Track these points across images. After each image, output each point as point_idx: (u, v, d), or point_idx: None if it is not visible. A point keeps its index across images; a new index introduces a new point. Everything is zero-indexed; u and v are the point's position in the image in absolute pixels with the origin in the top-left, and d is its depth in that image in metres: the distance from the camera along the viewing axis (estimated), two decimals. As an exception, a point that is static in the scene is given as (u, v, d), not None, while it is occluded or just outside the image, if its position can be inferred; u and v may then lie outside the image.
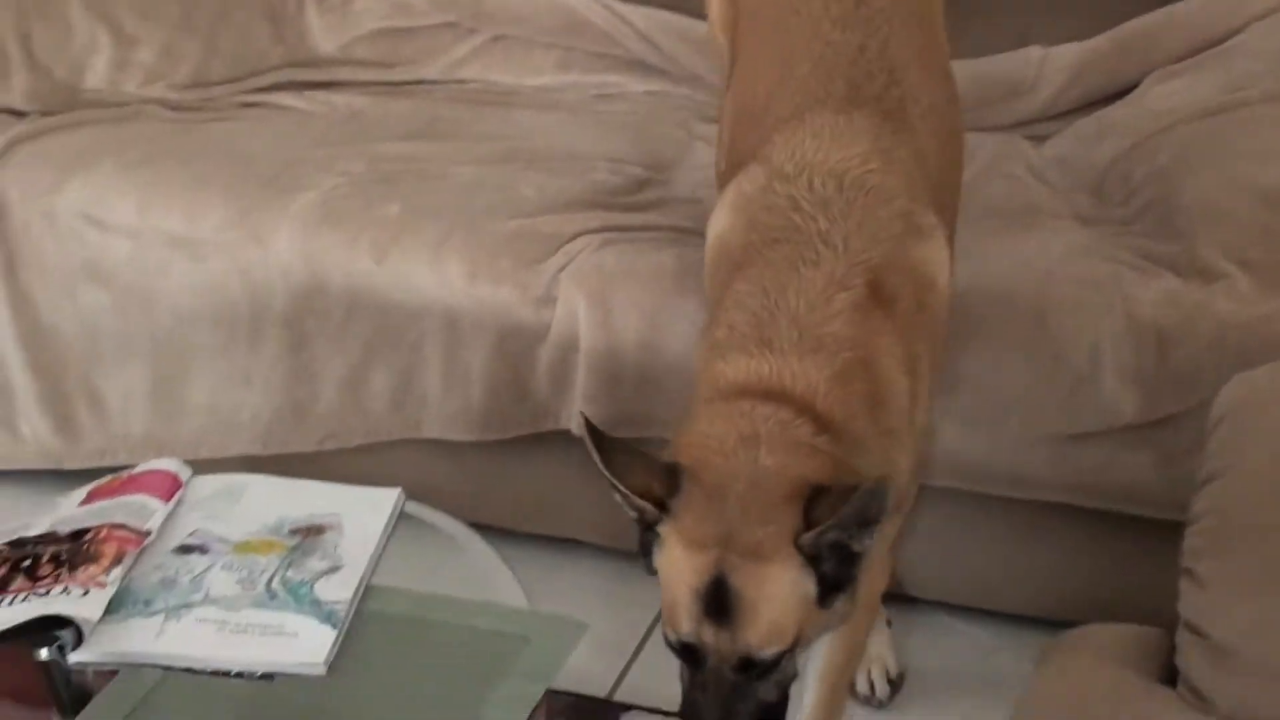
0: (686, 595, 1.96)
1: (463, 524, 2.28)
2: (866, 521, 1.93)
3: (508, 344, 2.97)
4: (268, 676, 2.01)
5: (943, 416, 2.69)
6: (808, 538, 1.94)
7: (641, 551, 2.04)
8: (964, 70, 3.00)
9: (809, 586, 1.96)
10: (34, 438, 3.35)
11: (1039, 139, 3.27)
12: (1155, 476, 2.66)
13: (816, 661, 2.36)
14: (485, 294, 2.96)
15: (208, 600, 2.10)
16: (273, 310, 3.10)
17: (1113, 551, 2.82)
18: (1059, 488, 2.76)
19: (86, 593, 2.06)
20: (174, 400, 3.25)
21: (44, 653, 2.05)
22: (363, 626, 2.08)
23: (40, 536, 2.20)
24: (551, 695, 2.79)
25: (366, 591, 2.13)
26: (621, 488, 2.00)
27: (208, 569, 2.15)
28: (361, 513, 2.26)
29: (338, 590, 2.10)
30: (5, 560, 2.16)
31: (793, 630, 1.97)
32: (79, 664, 2.03)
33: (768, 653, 1.96)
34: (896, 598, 2.82)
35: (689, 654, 1.99)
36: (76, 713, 1.99)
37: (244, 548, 2.19)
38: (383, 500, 2.29)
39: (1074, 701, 1.97)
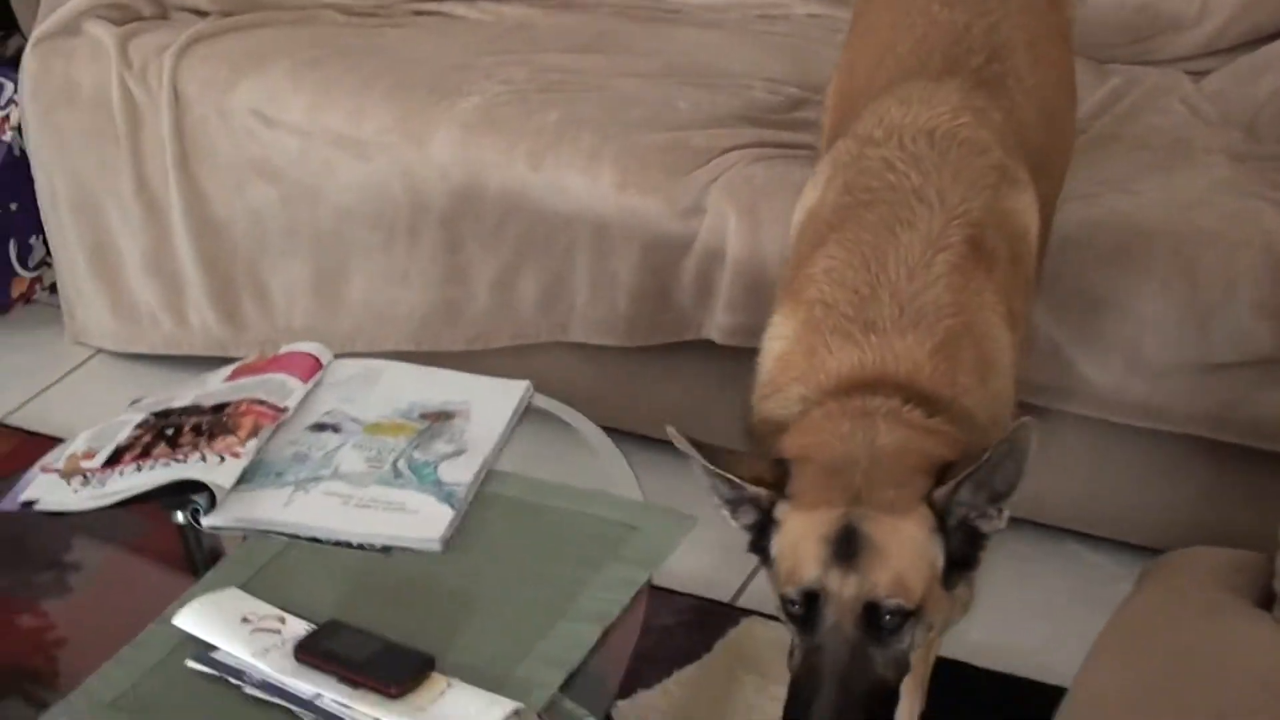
0: (814, 544, 1.91)
1: (586, 418, 2.33)
2: (998, 493, 1.91)
3: (654, 253, 3.03)
4: (386, 550, 2.09)
5: (1078, 343, 2.71)
6: (942, 491, 1.90)
7: (754, 549, 2.02)
8: (1127, 4, 3.00)
9: (938, 553, 1.93)
10: (202, 327, 3.49)
11: (1199, 74, 3.23)
12: (1291, 413, 2.65)
13: None
14: (634, 203, 3.02)
15: (336, 476, 2.18)
16: (431, 211, 3.20)
17: (1245, 487, 2.81)
18: (1193, 419, 2.76)
19: (222, 461, 2.16)
20: (334, 295, 3.36)
21: (179, 516, 2.15)
22: (480, 508, 2.15)
23: (184, 409, 2.30)
24: (674, 596, 2.88)
25: (487, 476, 2.20)
26: (731, 476, 1.95)
27: (339, 447, 2.24)
28: (490, 401, 2.33)
29: (460, 473, 2.18)
30: (151, 429, 2.27)
31: (919, 590, 1.91)
32: (211, 528, 2.12)
33: (893, 602, 1.89)
34: (1026, 523, 2.81)
35: (810, 605, 1.91)
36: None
37: (375, 429, 2.27)
38: (511, 391, 2.36)
39: (1167, 617, 1.99)
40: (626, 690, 2.77)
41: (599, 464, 2.26)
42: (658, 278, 3.05)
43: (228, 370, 2.42)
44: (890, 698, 1.96)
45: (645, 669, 2.81)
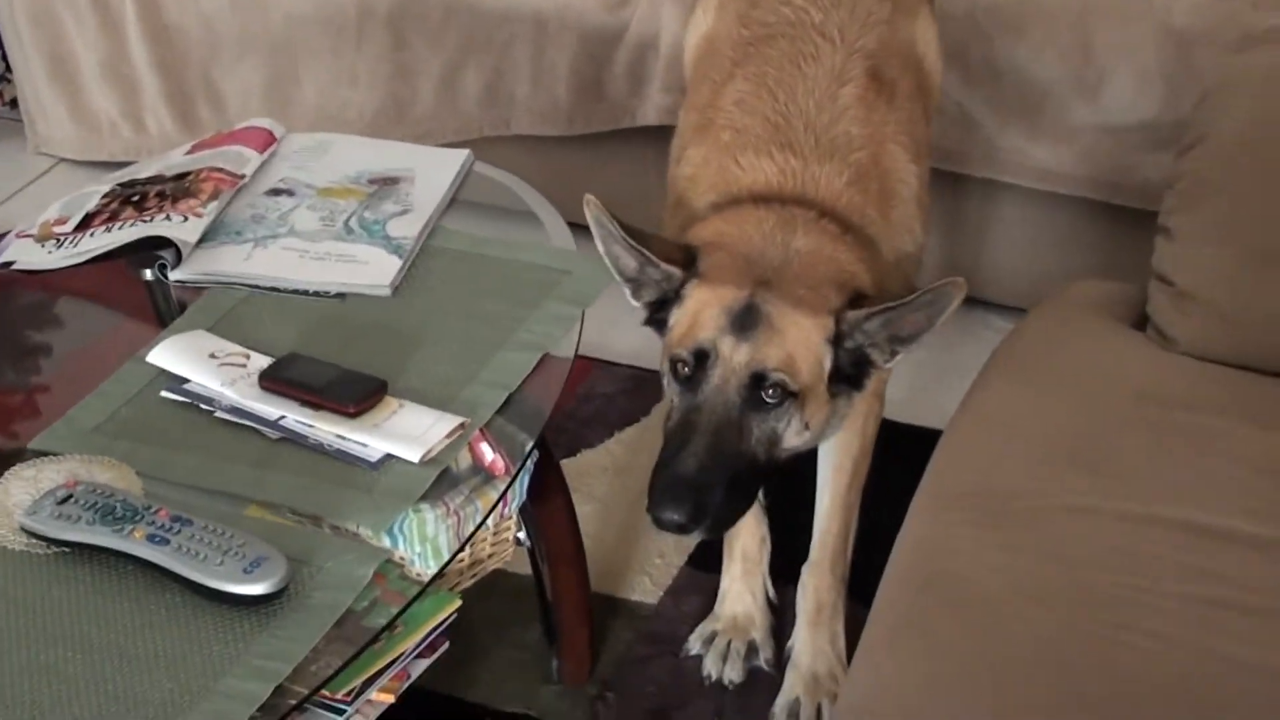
0: (714, 311, 2.01)
1: (522, 180, 2.50)
2: (904, 337, 2.00)
3: (590, 43, 3.20)
4: (340, 296, 2.27)
5: (983, 109, 2.88)
6: (854, 316, 1.99)
7: (651, 322, 2.13)
8: None
9: (827, 356, 2.02)
10: (159, 132, 3.65)
11: None
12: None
13: (828, 461, 2.41)
14: (570, -3, 3.17)
15: (292, 233, 2.36)
16: (377, 13, 3.35)
17: (1138, 253, 2.99)
18: (1088, 183, 2.95)
19: (186, 220, 2.33)
20: (286, 98, 3.52)
21: (147, 273, 2.32)
22: (426, 259, 2.33)
23: (149, 178, 2.47)
24: (615, 367, 3.08)
25: (432, 231, 2.38)
26: (645, 251, 2.05)
27: (294, 208, 2.41)
28: (433, 168, 2.50)
29: (406, 228, 2.35)
30: (117, 197, 2.44)
31: (805, 376, 2.01)
32: (177, 281, 2.30)
33: (779, 375, 1.99)
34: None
35: (699, 364, 2.01)
36: (173, 323, 2.26)
37: (326, 192, 2.44)
38: (453, 158, 2.53)
39: (1052, 339, 2.19)
40: (573, 450, 2.98)
41: (533, 218, 2.43)
42: (595, 67, 3.21)
43: (187, 145, 2.58)
44: (752, 482, 2.06)
45: (589, 432, 3.02)
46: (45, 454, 2.01)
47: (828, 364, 2.02)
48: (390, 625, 1.86)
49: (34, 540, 1.86)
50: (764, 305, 2.00)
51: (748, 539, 2.53)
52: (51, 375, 2.31)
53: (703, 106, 2.30)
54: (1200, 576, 1.79)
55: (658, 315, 2.11)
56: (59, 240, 2.36)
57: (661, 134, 3.11)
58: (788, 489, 2.43)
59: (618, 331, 2.18)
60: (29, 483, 1.93)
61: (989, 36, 2.86)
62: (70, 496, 1.86)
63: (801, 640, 2.45)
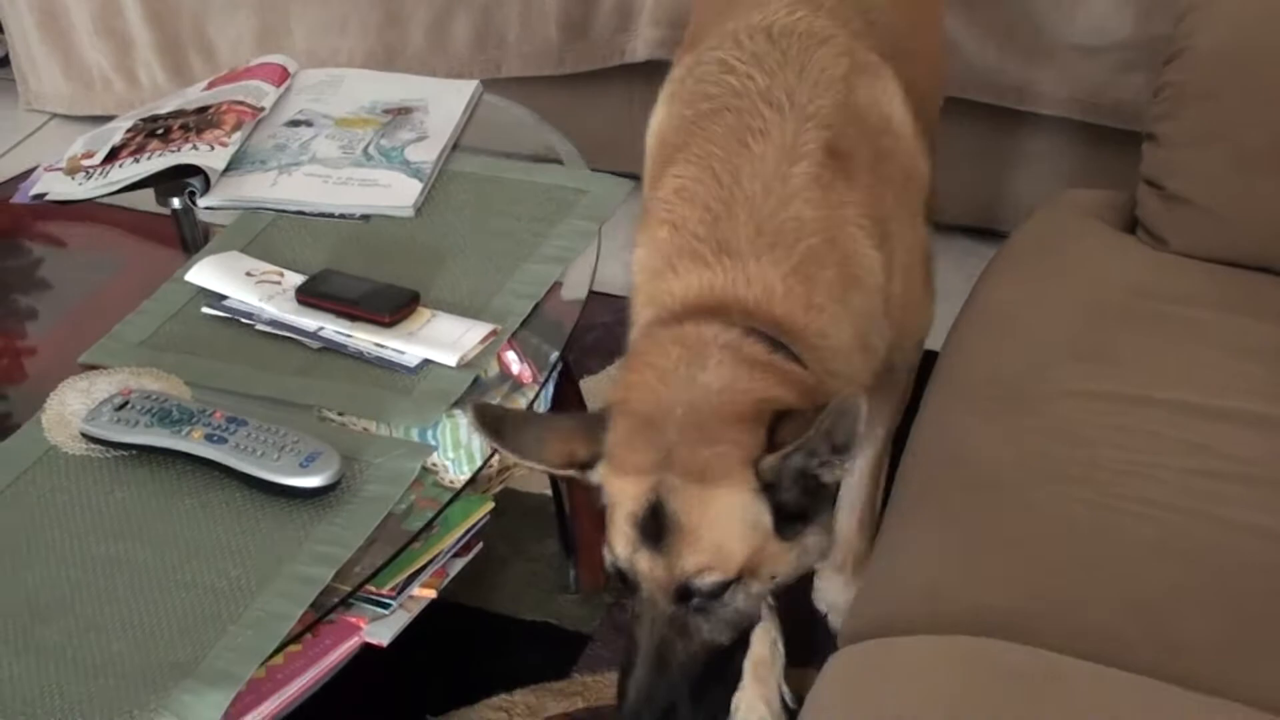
0: (622, 523, 1.80)
1: (531, 111, 2.60)
2: (839, 447, 1.75)
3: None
4: (365, 218, 2.36)
5: (963, 28, 2.98)
6: (769, 461, 1.75)
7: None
8: None
9: (762, 515, 1.78)
10: (151, 85, 3.71)
11: None
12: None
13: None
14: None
15: (314, 160, 2.45)
16: (366, -43, 3.42)
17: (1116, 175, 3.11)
18: (1064, 103, 3.05)
19: (212, 149, 2.42)
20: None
21: (175, 201, 2.41)
22: (445, 182, 2.43)
23: (171, 113, 2.55)
24: (614, 299, 3.16)
25: (449, 156, 2.47)
26: (535, 465, 1.88)
27: (313, 137, 2.50)
28: (445, 97, 2.60)
29: (424, 153, 2.45)
30: (141, 131, 2.52)
31: (739, 559, 1.78)
32: (206, 207, 2.39)
33: (706, 581, 1.77)
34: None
35: (625, 579, 1.83)
36: (200, 253, 2.35)
37: (344, 122, 2.54)
38: (464, 88, 2.63)
39: (1047, 242, 2.31)
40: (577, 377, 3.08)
41: (544, 144, 2.53)
42: (583, 6, 3.30)
43: (204, 83, 2.67)
44: (730, 654, 1.89)
45: (589, 360, 3.12)
46: (94, 368, 2.09)
47: (767, 518, 1.78)
48: (429, 526, 1.96)
49: (93, 445, 1.96)
50: (669, 500, 1.76)
51: (758, 646, 2.32)
52: (90, 299, 2.39)
53: (647, 196, 2.09)
54: (1196, 450, 1.90)
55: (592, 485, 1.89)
56: (88, 172, 2.44)
57: (649, 70, 3.21)
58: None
59: (616, 265, 2.27)
60: (83, 393, 2.02)
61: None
62: (127, 403, 1.96)
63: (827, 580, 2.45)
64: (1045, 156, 3.17)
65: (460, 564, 2.11)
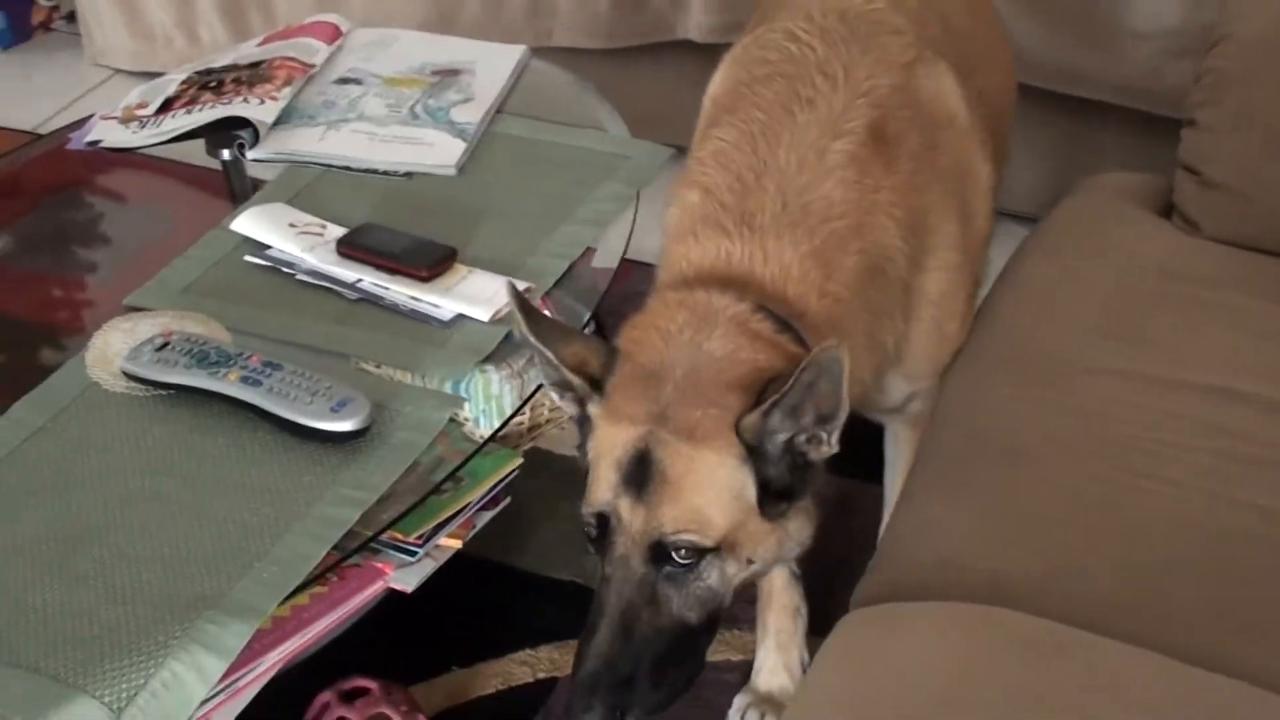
0: (608, 467, 1.76)
1: (576, 76, 2.64)
2: (824, 416, 1.73)
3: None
4: (408, 175, 2.41)
5: (1016, 12, 2.99)
6: (750, 419, 1.72)
7: (579, 450, 1.87)
8: None
9: (746, 484, 1.74)
10: (212, 43, 3.77)
11: None
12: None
13: (898, 438, 2.24)
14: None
15: (361, 118, 2.49)
16: (427, -74, 3.46)
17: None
18: (1116, 89, 3.06)
19: (263, 102, 2.47)
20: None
21: (225, 153, 2.46)
22: (488, 143, 2.47)
23: (224, 67, 2.60)
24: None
25: (493, 119, 2.51)
26: (547, 352, 1.81)
27: (362, 95, 2.55)
28: (492, 61, 2.64)
29: (469, 114, 2.49)
30: (194, 84, 2.57)
31: (719, 526, 1.74)
32: (255, 159, 2.43)
33: (682, 539, 1.73)
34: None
35: (602, 530, 1.77)
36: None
37: (392, 82, 2.58)
38: (511, 52, 2.67)
39: (1082, 223, 2.32)
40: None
41: (589, 110, 2.57)
42: (637, -21, 3.33)
43: (258, 39, 2.71)
44: (696, 637, 1.80)
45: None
46: (139, 310, 2.14)
47: (751, 489, 1.75)
48: (453, 477, 2.01)
49: (134, 384, 2.01)
50: (656, 450, 1.73)
51: (780, 613, 2.32)
52: (139, 245, 2.45)
53: (689, 156, 2.06)
54: (1218, 432, 1.92)
55: (583, 444, 1.86)
56: (141, 121, 2.49)
57: (701, 48, 3.24)
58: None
59: (650, 235, 2.30)
60: (126, 334, 2.07)
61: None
62: (167, 344, 2.00)
63: None
64: (1093, 143, 3.17)
65: (487, 517, 2.15)
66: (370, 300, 2.14)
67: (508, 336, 2.09)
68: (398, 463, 1.91)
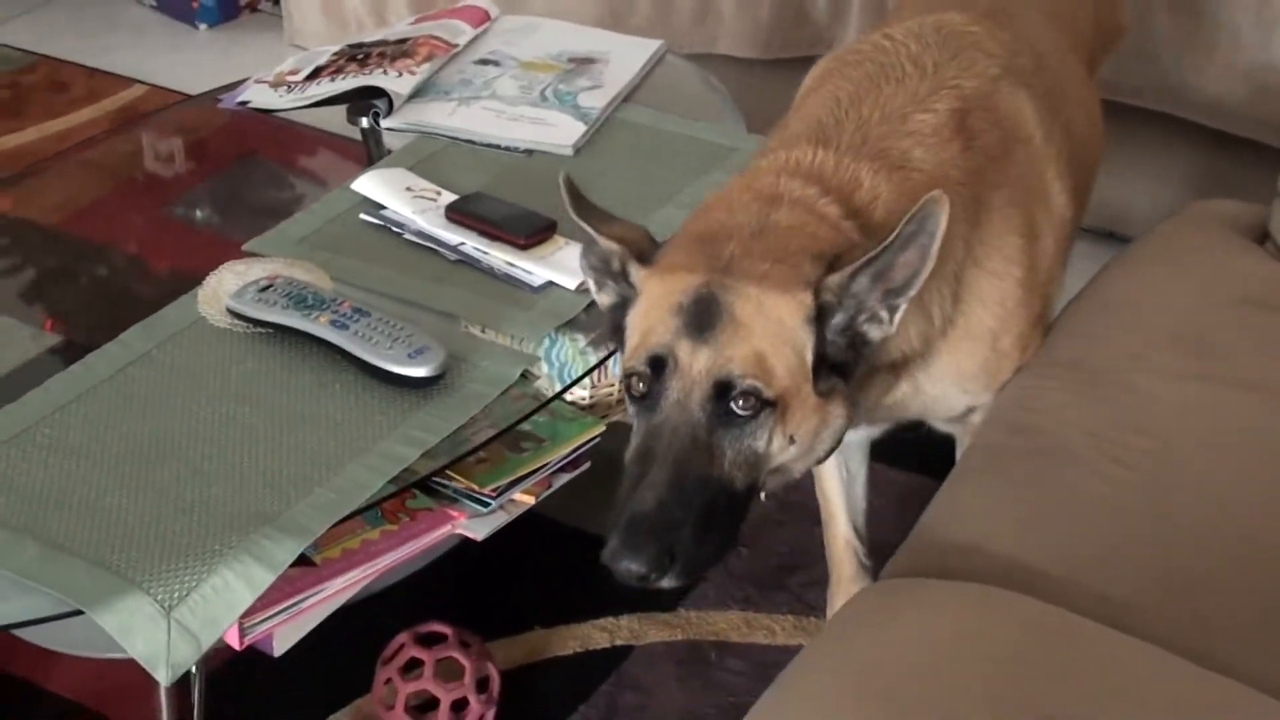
0: (665, 312, 1.72)
1: (709, 73, 2.73)
2: (896, 286, 1.72)
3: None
4: (528, 152, 2.52)
5: (1162, 40, 3.02)
6: (835, 278, 1.70)
7: (612, 335, 1.88)
8: None
9: (808, 345, 1.72)
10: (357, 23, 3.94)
11: None
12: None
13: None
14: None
15: (493, 97, 2.62)
16: (603, -73, 3.58)
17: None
18: (1256, 123, 3.07)
19: (400, 75, 2.60)
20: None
21: (364, 120, 2.60)
22: (610, 128, 2.58)
23: (374, 42, 2.75)
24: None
25: (618, 106, 2.62)
26: (585, 225, 1.82)
27: (497, 76, 2.68)
28: (628, 52, 2.76)
29: (595, 100, 2.60)
30: (344, 55, 2.72)
31: (780, 379, 1.70)
32: (388, 128, 2.57)
33: (748, 382, 1.68)
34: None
35: (656, 375, 1.72)
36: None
37: (529, 66, 2.71)
38: (647, 45, 2.78)
39: (1173, 245, 2.35)
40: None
41: (713, 105, 2.66)
42: (797, -6, 3.42)
43: (411, 18, 2.86)
44: (731, 514, 1.74)
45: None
46: (256, 256, 2.28)
47: (810, 354, 1.72)
48: (515, 430, 2.09)
49: (236, 320, 2.14)
50: (722, 293, 1.70)
51: (848, 560, 2.40)
52: (272, 199, 2.60)
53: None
54: (1272, 444, 1.93)
55: (619, 322, 1.85)
56: (289, 86, 2.65)
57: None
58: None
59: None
60: (239, 276, 2.22)
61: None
62: (270, 286, 2.14)
63: None
64: (1169, 162, 3.21)
65: (565, 479, 2.24)
66: (469, 263, 2.25)
67: (593, 305, 2.19)
68: (464, 410, 2.01)
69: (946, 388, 2.06)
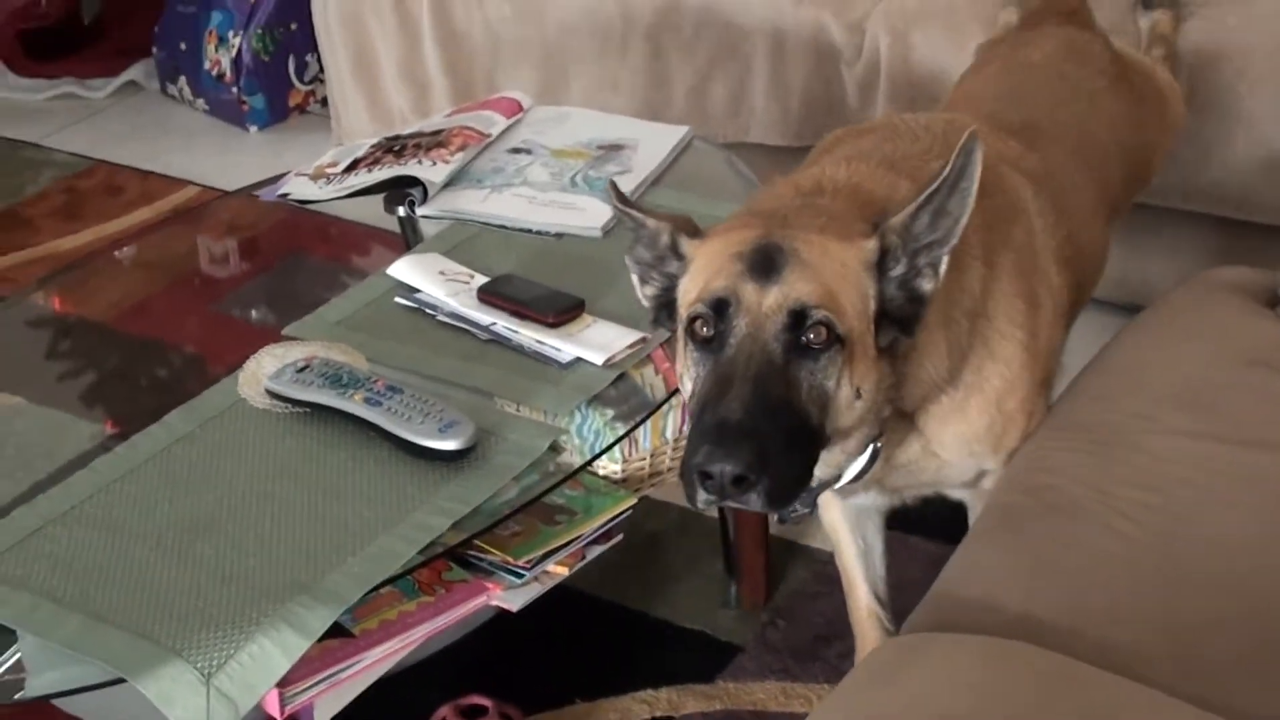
0: (726, 261, 1.76)
1: (736, 158, 2.82)
2: (939, 240, 1.78)
3: (823, 62, 3.48)
4: (559, 235, 2.61)
5: (1180, 143, 3.09)
6: (897, 220, 1.76)
7: (657, 320, 1.96)
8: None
9: (871, 292, 1.77)
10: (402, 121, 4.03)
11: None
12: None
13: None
14: (808, 16, 3.48)
15: (525, 184, 2.71)
16: (638, 25, 3.69)
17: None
18: (1276, 210, 3.12)
19: (435, 164, 2.70)
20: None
21: (401, 209, 2.70)
22: (638, 210, 2.66)
23: (410, 134, 2.85)
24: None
25: (646, 190, 2.70)
26: (632, 211, 1.90)
27: (529, 164, 2.77)
28: (655, 139, 2.83)
29: (624, 185, 2.67)
30: (381, 147, 2.82)
31: (849, 317, 1.73)
32: (423, 216, 2.66)
33: (821, 313, 1.70)
34: (1104, 303, 3.08)
35: (720, 317, 1.74)
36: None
37: (559, 153, 2.79)
38: (674, 132, 2.87)
39: (1181, 309, 2.40)
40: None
41: (741, 188, 2.73)
42: (825, 84, 3.50)
43: (447, 110, 2.96)
44: (809, 446, 1.74)
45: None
46: (295, 339, 2.37)
47: (873, 302, 1.76)
48: (540, 501, 2.15)
49: (275, 401, 2.23)
50: (786, 241, 1.74)
51: None
52: (312, 286, 2.69)
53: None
54: (1276, 494, 1.97)
55: (666, 304, 1.91)
56: (328, 178, 2.74)
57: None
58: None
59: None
60: (277, 358, 2.30)
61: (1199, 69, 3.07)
62: (307, 367, 2.22)
63: None
64: (1189, 232, 3.28)
65: (598, 550, 2.30)
66: (499, 341, 2.33)
67: (622, 377, 2.26)
68: (494, 481, 2.08)
69: (955, 448, 2.11)
